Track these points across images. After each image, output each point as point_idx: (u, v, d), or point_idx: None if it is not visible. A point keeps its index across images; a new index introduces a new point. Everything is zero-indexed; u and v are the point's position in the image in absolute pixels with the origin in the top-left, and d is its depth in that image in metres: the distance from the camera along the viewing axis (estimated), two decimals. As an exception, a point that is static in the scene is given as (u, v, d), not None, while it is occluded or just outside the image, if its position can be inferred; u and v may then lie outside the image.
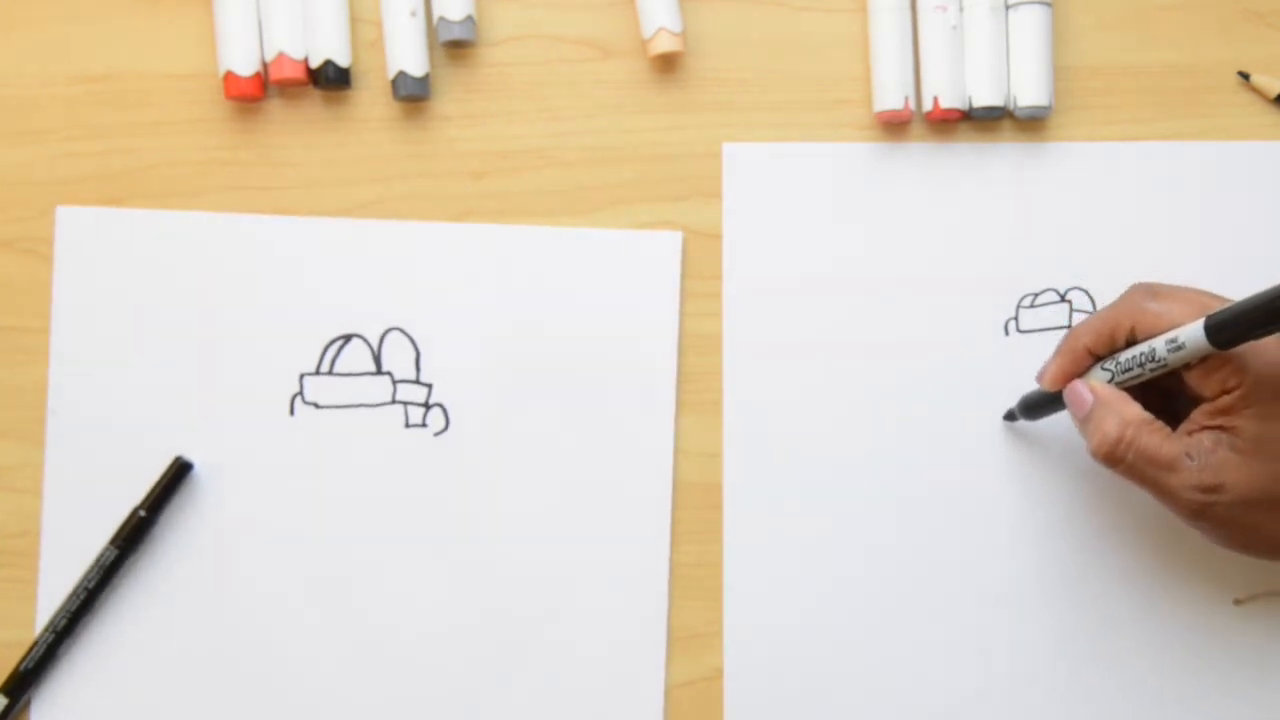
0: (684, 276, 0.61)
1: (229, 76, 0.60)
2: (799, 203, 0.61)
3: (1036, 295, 0.61)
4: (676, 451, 0.61)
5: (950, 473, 0.60)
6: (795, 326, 0.61)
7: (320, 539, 0.60)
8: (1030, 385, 0.57)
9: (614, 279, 0.61)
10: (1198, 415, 0.52)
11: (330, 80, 0.61)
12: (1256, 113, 0.61)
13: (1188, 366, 0.51)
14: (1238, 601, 0.60)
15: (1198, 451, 0.51)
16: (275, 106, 0.62)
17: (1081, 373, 0.55)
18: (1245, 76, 0.61)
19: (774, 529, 0.60)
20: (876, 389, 0.61)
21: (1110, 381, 0.54)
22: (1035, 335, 0.60)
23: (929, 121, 0.61)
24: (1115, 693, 0.59)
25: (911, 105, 0.60)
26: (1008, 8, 0.60)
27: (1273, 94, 0.61)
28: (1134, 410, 0.52)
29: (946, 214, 0.61)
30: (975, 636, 0.60)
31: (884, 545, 0.60)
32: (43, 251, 0.61)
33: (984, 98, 0.60)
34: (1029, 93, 0.60)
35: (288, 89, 0.62)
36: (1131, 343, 0.53)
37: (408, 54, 0.60)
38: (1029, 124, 0.61)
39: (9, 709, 0.59)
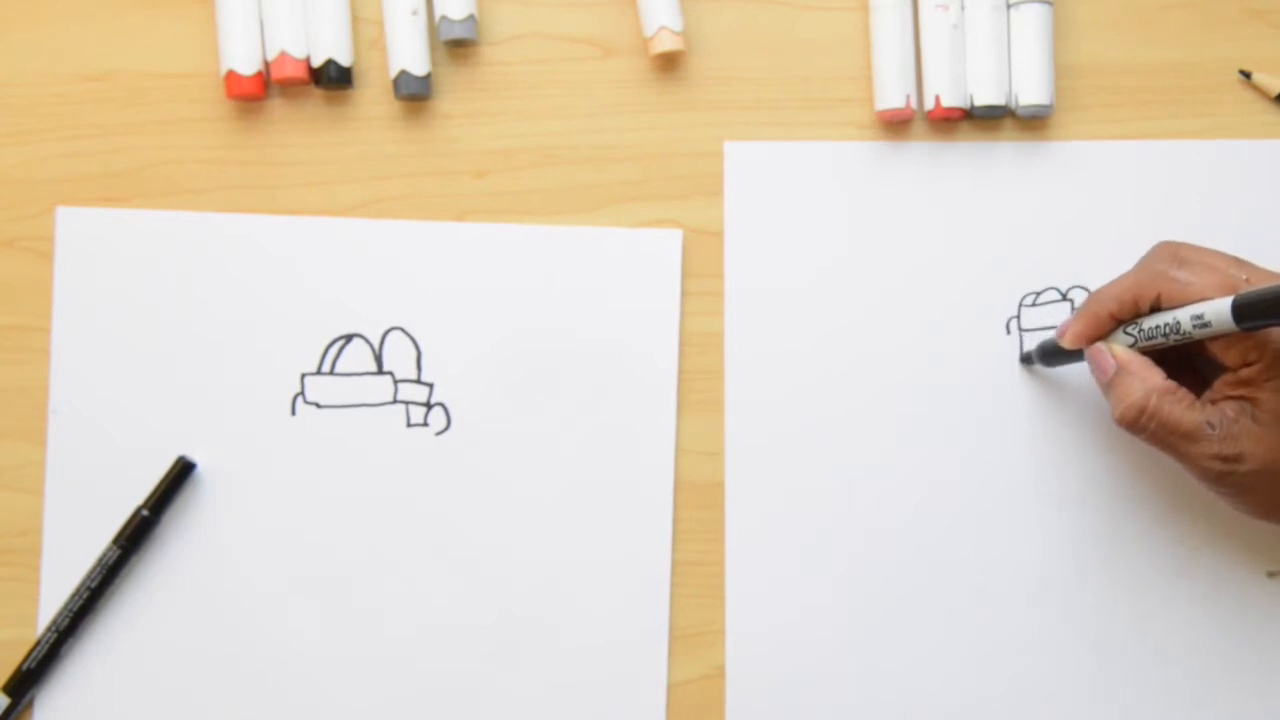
0: (685, 275, 0.61)
1: (231, 76, 0.60)
2: (800, 201, 0.61)
3: (1038, 294, 0.61)
4: (678, 450, 0.61)
5: (951, 471, 0.60)
6: (796, 325, 0.61)
7: (322, 539, 0.60)
8: (1031, 385, 0.57)
9: (615, 278, 0.61)
10: (1220, 385, 0.53)
11: (332, 79, 0.60)
12: (1257, 112, 0.61)
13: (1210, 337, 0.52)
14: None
15: (1219, 421, 0.52)
16: (277, 106, 0.62)
17: (1103, 336, 0.55)
18: (1246, 75, 0.61)
19: (775, 527, 0.60)
20: (878, 387, 0.61)
21: (1133, 346, 0.54)
22: (1037, 334, 0.60)
23: (930, 120, 0.61)
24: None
25: (913, 104, 0.60)
26: (1009, 6, 0.60)
27: (1273, 93, 0.61)
28: (1157, 378, 0.53)
29: (948, 213, 0.61)
30: (977, 635, 0.60)
31: (885, 543, 0.60)
32: (43, 250, 0.61)
33: (985, 96, 0.60)
34: (1030, 91, 0.60)
35: (289, 88, 0.61)
36: (1156, 308, 0.53)
37: (409, 53, 0.60)
38: (1030, 123, 0.61)
39: (12, 708, 0.59)
